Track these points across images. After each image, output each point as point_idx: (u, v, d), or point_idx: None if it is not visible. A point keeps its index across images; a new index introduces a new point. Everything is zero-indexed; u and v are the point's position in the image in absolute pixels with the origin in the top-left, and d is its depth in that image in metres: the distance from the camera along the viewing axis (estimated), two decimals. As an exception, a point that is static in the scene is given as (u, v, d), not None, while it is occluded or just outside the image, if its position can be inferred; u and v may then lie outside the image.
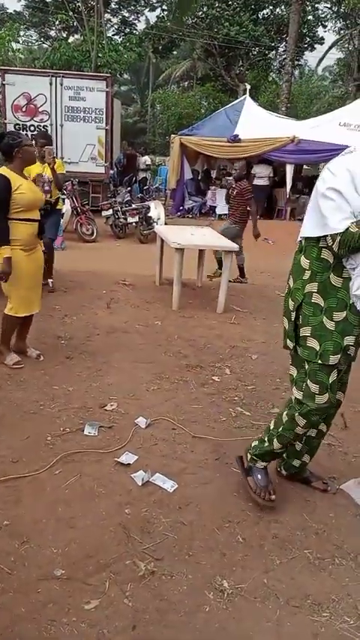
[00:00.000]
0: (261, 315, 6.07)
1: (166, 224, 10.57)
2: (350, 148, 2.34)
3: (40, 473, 2.82)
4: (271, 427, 2.66)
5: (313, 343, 2.41)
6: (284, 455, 2.81)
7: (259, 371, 4.46)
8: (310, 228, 2.38)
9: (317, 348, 2.40)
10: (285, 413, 2.60)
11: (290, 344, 2.57)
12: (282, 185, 13.54)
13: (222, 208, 14.40)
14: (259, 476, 2.69)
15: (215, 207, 14.55)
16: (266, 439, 2.67)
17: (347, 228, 2.17)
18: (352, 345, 2.41)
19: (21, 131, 11.55)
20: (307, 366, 2.46)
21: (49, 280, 6.28)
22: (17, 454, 2.98)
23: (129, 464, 2.96)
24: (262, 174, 13.73)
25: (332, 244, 2.24)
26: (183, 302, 6.09)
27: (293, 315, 2.47)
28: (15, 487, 2.71)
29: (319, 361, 2.41)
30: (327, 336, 2.38)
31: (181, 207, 14.65)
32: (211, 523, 2.58)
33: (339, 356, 2.40)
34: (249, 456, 2.75)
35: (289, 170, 12.91)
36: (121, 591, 2.15)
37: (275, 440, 2.62)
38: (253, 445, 2.75)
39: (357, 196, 2.17)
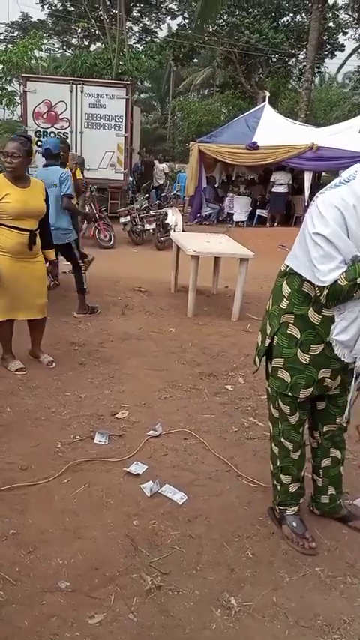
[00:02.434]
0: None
1: (183, 231, 10.56)
2: (350, 172, 2.15)
3: (49, 481, 2.81)
4: (272, 467, 2.61)
5: (285, 375, 2.35)
6: (312, 494, 2.72)
7: (273, 381, 4.40)
8: (296, 263, 2.26)
9: (288, 380, 2.35)
10: (273, 444, 2.56)
11: (258, 362, 2.52)
12: (300, 192, 13.45)
13: (239, 215, 14.39)
14: (294, 523, 2.55)
15: (233, 214, 14.51)
16: (275, 481, 2.60)
17: (336, 281, 2.08)
18: (328, 378, 2.33)
19: (42, 138, 11.72)
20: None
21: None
22: (26, 461, 2.97)
23: (138, 474, 2.93)
24: (281, 182, 13.67)
25: (320, 295, 2.15)
26: (198, 309, 6.05)
27: (267, 340, 2.40)
28: (23, 495, 2.69)
29: (289, 393, 2.36)
30: (300, 370, 2.32)
31: (199, 214, 14.63)
32: (220, 537, 2.53)
33: (311, 389, 2.34)
34: (276, 507, 2.65)
35: (308, 177, 12.82)
36: (126, 606, 2.11)
37: (282, 476, 2.55)
38: (273, 495, 2.65)
39: (348, 242, 2.06)
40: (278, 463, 2.54)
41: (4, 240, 3.83)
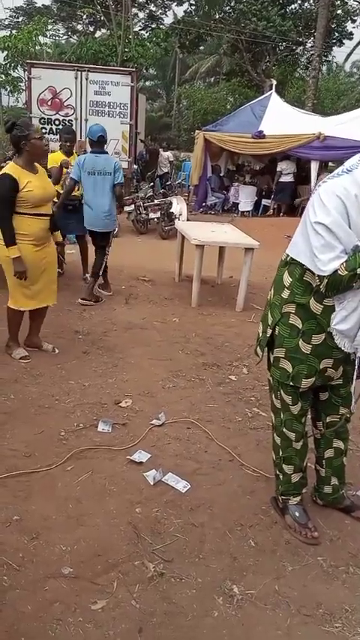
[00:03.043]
0: (281, 314, 5.97)
1: (188, 220, 10.51)
2: (352, 162, 2.13)
3: (52, 468, 2.81)
4: (274, 457, 2.61)
5: (286, 365, 2.35)
6: (314, 484, 2.71)
7: (277, 371, 4.39)
8: (296, 251, 2.26)
9: (290, 370, 2.34)
10: (275, 435, 2.56)
11: (260, 353, 2.52)
12: (307, 182, 13.35)
13: (244, 205, 14.30)
14: (296, 513, 2.55)
15: (238, 203, 14.43)
16: (277, 471, 2.60)
17: (336, 271, 2.07)
18: (329, 367, 2.32)
19: (46, 125, 11.66)
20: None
21: (87, 275, 6.36)
22: (30, 448, 2.98)
23: (142, 462, 2.93)
24: (288, 171, 13.57)
25: (320, 284, 2.14)
26: (202, 299, 6.04)
27: (269, 330, 2.39)
28: (26, 482, 2.70)
29: (291, 383, 2.36)
30: (302, 360, 2.31)
31: (204, 204, 14.56)
32: (222, 526, 2.53)
33: (313, 379, 2.33)
34: (279, 497, 2.65)
35: (314, 167, 12.71)
36: (128, 592, 2.12)
37: (284, 466, 2.54)
38: (276, 484, 2.66)
39: (349, 232, 2.04)
40: (280, 453, 2.54)
41: (28, 228, 3.82)
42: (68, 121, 11.88)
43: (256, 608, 2.11)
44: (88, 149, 5.74)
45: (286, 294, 2.30)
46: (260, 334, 2.51)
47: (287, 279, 2.30)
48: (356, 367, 2.32)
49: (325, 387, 2.46)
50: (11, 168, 3.77)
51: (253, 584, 2.22)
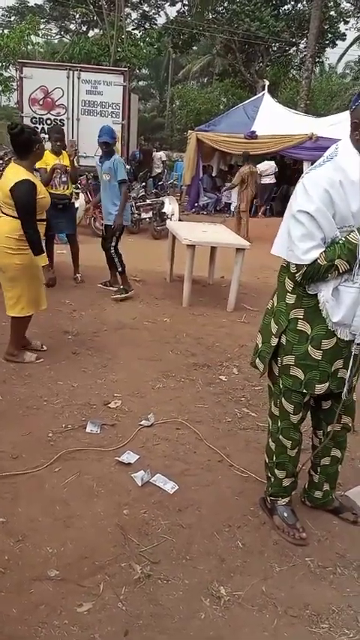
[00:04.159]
0: (272, 315, 5.97)
1: (180, 220, 10.50)
2: (331, 150, 2.15)
3: (40, 470, 2.79)
4: (267, 460, 2.58)
5: (298, 373, 2.28)
6: (305, 486, 2.70)
7: (267, 371, 4.39)
8: (277, 248, 2.26)
9: (302, 377, 2.28)
10: (270, 440, 2.53)
11: (260, 365, 2.43)
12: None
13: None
14: (284, 514, 2.54)
15: (230, 203, 14.44)
16: (269, 474, 2.58)
17: (315, 260, 2.06)
18: (341, 368, 2.27)
19: (37, 125, 11.60)
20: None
21: (78, 275, 6.39)
22: (17, 450, 2.96)
23: (130, 463, 2.92)
24: (268, 172, 13.57)
25: (296, 273, 2.13)
26: (193, 299, 6.02)
27: (274, 339, 2.33)
28: (13, 484, 2.68)
29: (304, 390, 2.30)
30: (313, 366, 2.25)
31: (196, 204, 14.56)
32: (210, 527, 2.52)
33: (327, 384, 2.27)
34: (267, 498, 2.63)
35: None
36: (115, 594, 2.11)
37: (276, 470, 2.52)
38: (266, 486, 2.64)
39: (331, 221, 2.04)
40: (274, 458, 2.52)
41: None
42: (60, 121, 11.83)
43: (243, 610, 2.10)
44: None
45: (291, 299, 2.25)
46: (260, 345, 2.44)
47: (289, 284, 2.25)
48: (355, 347, 2.25)
49: (328, 396, 2.40)
50: (25, 173, 3.66)
51: (240, 586, 2.21)
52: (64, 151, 5.87)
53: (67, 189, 6.02)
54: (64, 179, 5.93)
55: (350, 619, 2.11)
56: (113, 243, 5.89)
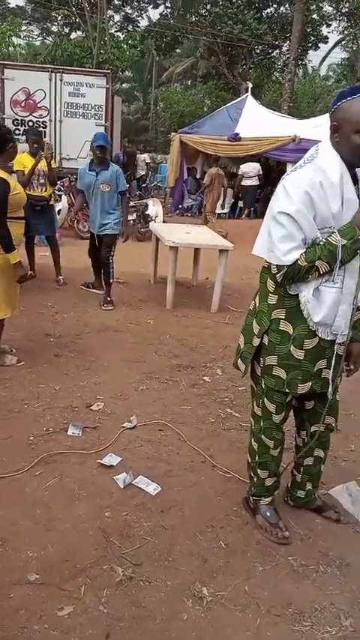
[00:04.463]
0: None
1: (164, 222, 10.50)
2: (312, 152, 2.17)
3: (20, 473, 2.76)
4: (249, 460, 2.58)
5: (280, 372, 2.29)
6: (288, 486, 2.71)
7: (250, 372, 4.40)
8: (258, 249, 2.27)
9: (285, 377, 2.28)
10: (252, 440, 2.53)
11: (242, 366, 2.43)
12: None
13: (221, 207, 14.33)
14: (267, 513, 2.54)
15: (214, 205, 14.46)
16: (252, 474, 2.58)
17: (296, 261, 2.07)
18: (324, 368, 2.28)
19: (20, 127, 11.53)
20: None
21: (60, 277, 6.35)
22: (-2, 454, 2.92)
23: (112, 465, 2.90)
24: (250, 174, 13.60)
25: (277, 273, 2.14)
26: (177, 301, 6.02)
27: (256, 340, 2.33)
28: (-6, 488, 2.64)
29: (287, 390, 2.31)
30: (295, 366, 2.25)
31: (180, 206, 14.57)
32: (193, 527, 2.52)
33: (309, 384, 2.28)
34: (250, 497, 2.63)
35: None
36: (96, 597, 2.09)
37: (259, 470, 2.52)
38: (249, 485, 2.64)
39: (312, 223, 2.05)
40: (257, 458, 2.52)
41: (15, 233, 3.69)
42: (42, 123, 11.76)
43: (226, 610, 2.10)
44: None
45: (273, 299, 2.26)
46: (242, 346, 2.44)
47: (271, 284, 2.26)
48: (337, 345, 2.26)
49: (311, 396, 2.41)
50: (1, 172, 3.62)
51: (223, 586, 2.20)
52: (42, 152, 5.81)
53: (46, 191, 5.99)
54: (41, 181, 5.89)
55: (333, 617, 2.11)
56: (112, 253, 5.81)
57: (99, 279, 6.17)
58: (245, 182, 13.65)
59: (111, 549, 2.33)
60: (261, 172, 13.80)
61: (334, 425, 2.52)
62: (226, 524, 2.56)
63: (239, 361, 2.46)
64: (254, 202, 14.02)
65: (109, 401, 3.65)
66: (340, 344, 2.25)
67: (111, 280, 5.84)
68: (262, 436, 2.46)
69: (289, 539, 2.48)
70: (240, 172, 13.72)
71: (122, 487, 2.72)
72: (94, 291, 6.17)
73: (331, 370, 2.27)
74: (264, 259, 2.28)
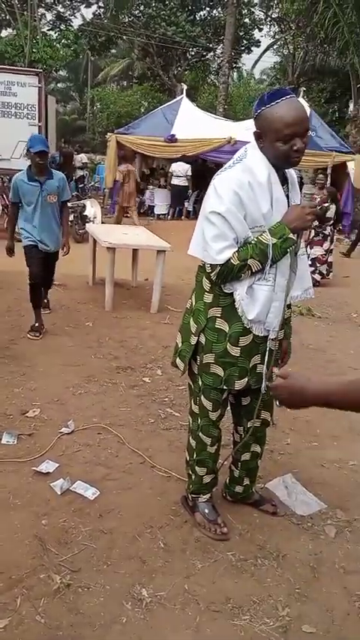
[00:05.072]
0: (195, 315, 6.04)
1: (102, 223, 10.40)
2: (241, 152, 2.21)
3: None
4: (187, 458, 2.60)
5: (218, 370, 2.32)
6: (226, 482, 2.73)
7: (190, 371, 4.43)
8: (193, 248, 2.30)
9: (222, 374, 2.31)
10: (190, 437, 2.55)
11: (181, 365, 2.44)
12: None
13: (160, 208, 14.38)
14: (206, 510, 2.56)
15: (154, 206, 14.49)
16: (190, 472, 2.60)
17: (229, 260, 2.11)
18: (259, 364, 2.32)
19: None
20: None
21: None
22: None
23: (48, 472, 2.84)
24: (178, 173, 13.72)
25: (211, 272, 2.17)
26: (116, 302, 5.98)
27: (194, 338, 2.35)
28: None
29: (224, 387, 2.34)
30: (232, 363, 2.29)
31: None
32: (132, 530, 2.50)
33: (246, 380, 2.32)
34: (189, 495, 2.64)
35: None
36: (33, 607, 2.04)
37: (197, 468, 2.54)
38: (187, 484, 2.65)
39: (243, 222, 2.09)
40: (195, 456, 2.53)
41: None
42: (-27, 122, 11.38)
43: (165, 610, 2.10)
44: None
45: (209, 298, 2.28)
46: (180, 344, 2.44)
47: (206, 284, 2.28)
48: (267, 351, 2.30)
49: (248, 391, 2.44)
50: None
51: (162, 586, 2.20)
52: None
53: None
54: None
55: (270, 608, 2.15)
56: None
57: (44, 299, 5.49)
58: (174, 181, 13.78)
59: (48, 557, 2.28)
60: (189, 173, 13.92)
61: (269, 419, 2.57)
62: (165, 523, 2.57)
63: (178, 360, 2.47)
64: (182, 201, 14.13)
65: (46, 407, 3.57)
66: (272, 339, 2.30)
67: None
68: (200, 433, 2.48)
69: (228, 535, 2.51)
70: (170, 171, 13.82)
71: (60, 493, 2.67)
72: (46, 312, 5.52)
73: (264, 365, 2.32)
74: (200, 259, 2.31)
